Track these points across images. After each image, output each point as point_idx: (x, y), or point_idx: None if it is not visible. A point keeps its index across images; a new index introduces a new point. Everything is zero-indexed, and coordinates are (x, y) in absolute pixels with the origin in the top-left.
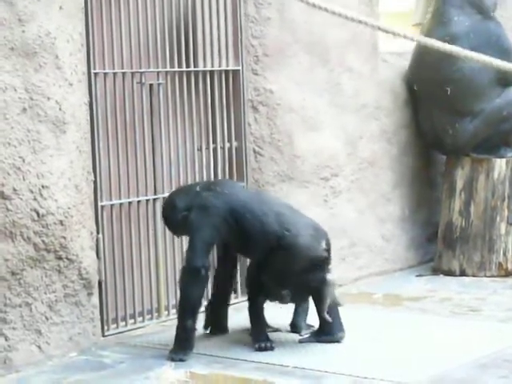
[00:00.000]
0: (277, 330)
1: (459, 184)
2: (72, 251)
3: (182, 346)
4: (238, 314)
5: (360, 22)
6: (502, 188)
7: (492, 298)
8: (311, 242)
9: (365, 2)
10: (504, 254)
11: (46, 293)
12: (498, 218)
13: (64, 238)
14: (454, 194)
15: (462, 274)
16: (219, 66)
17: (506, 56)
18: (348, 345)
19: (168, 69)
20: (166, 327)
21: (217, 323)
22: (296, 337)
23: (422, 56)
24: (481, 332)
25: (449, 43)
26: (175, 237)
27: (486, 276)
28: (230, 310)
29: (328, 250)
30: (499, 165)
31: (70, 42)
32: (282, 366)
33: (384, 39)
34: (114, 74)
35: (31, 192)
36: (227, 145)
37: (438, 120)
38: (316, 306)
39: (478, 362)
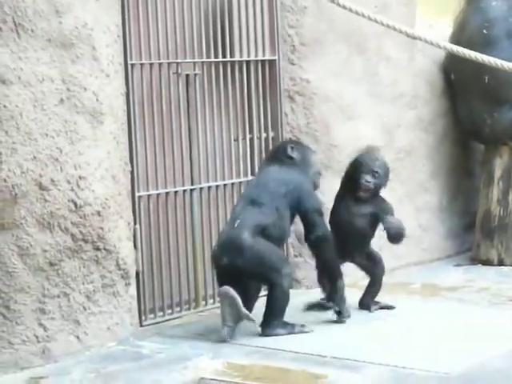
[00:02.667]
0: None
1: (497, 173)
2: (109, 242)
3: None
4: None
5: (394, 28)
6: None
7: None
8: (214, 254)
9: None
10: None
11: (83, 283)
12: None
13: (101, 228)
14: (492, 183)
15: (501, 263)
16: (255, 56)
17: None
18: (386, 335)
19: (204, 59)
20: (203, 317)
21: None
22: (332, 326)
23: (460, 44)
24: None
25: (487, 29)
26: (212, 226)
27: None
28: None
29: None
30: None
31: (106, 33)
32: (319, 356)
33: (421, 29)
34: (151, 64)
35: (69, 183)
36: (264, 135)
37: (475, 109)
38: None
39: None
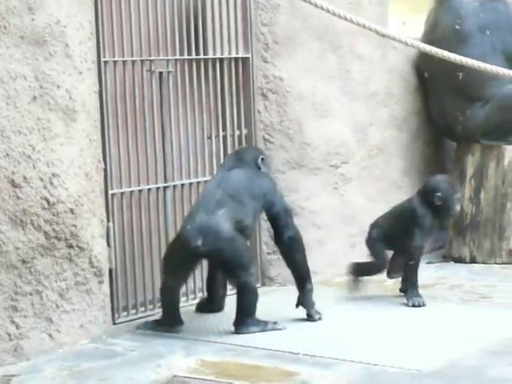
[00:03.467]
0: None
1: (469, 171)
2: (82, 239)
3: None
4: None
5: (364, 26)
6: None
7: (502, 285)
8: (185, 234)
9: None
10: None
11: (56, 281)
12: (508, 205)
13: (74, 226)
14: (465, 180)
15: (473, 260)
16: (229, 54)
17: None
18: (359, 332)
19: (178, 56)
20: None
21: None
22: (305, 324)
23: (432, 42)
24: (491, 319)
25: (459, 25)
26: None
27: (496, 263)
28: None
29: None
30: (509, 151)
31: (79, 30)
32: (292, 353)
33: (394, 26)
34: (124, 62)
35: (41, 180)
36: (237, 132)
37: (448, 106)
38: None
39: (489, 349)
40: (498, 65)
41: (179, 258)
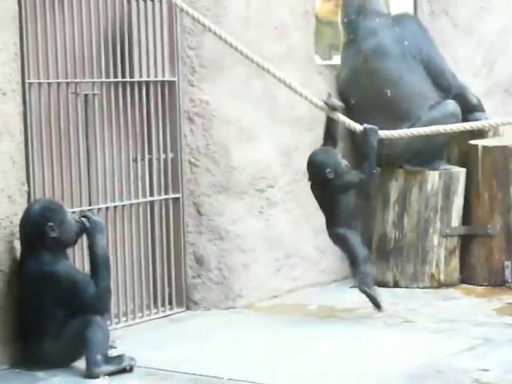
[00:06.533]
0: None
1: (393, 196)
2: (6, 263)
3: None
4: (174, 326)
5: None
6: (435, 200)
7: (424, 310)
8: None
9: (300, 14)
10: (436, 265)
11: None
12: (430, 230)
13: None
14: (388, 205)
15: (396, 285)
16: (155, 77)
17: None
18: (283, 357)
19: (103, 79)
20: None
21: None
22: (230, 347)
23: (356, 67)
24: (414, 343)
25: (379, 42)
26: (110, 247)
27: (418, 287)
28: (165, 322)
29: None
30: (432, 177)
31: (3, 51)
32: (216, 377)
33: (321, 50)
34: (49, 84)
35: None
36: (163, 156)
37: None
38: None
39: (411, 373)
40: (428, 91)
41: None
